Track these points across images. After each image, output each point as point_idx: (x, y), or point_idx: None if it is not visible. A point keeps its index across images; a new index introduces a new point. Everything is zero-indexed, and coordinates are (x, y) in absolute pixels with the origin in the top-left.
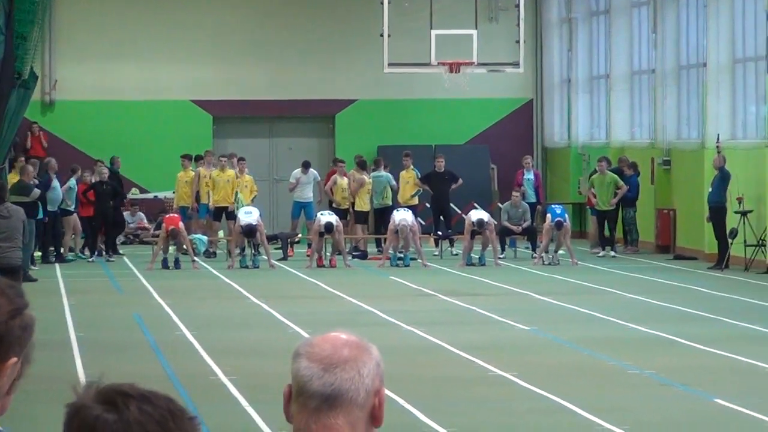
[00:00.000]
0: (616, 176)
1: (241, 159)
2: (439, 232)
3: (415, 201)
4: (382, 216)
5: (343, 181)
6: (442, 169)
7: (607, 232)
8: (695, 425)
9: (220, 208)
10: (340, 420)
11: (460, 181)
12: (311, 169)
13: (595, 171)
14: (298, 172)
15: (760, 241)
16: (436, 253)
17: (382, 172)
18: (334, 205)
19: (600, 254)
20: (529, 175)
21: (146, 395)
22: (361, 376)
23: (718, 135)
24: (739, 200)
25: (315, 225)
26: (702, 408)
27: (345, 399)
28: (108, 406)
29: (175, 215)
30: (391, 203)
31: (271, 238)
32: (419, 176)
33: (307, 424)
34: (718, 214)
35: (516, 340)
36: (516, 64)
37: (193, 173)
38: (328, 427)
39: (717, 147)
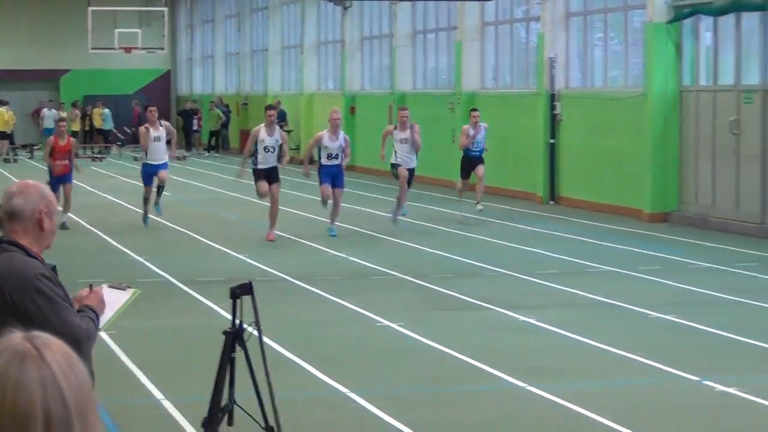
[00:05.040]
0: (219, 111)
1: (3, 101)
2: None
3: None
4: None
5: (51, 113)
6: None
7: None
8: (310, 266)
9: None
10: (17, 227)
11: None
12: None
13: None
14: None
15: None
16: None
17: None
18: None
19: (206, 154)
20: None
21: None
22: (28, 201)
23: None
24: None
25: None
26: (331, 259)
27: (16, 214)
28: None
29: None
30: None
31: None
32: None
33: (3, 232)
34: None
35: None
36: (162, 49)
37: None
38: (11, 230)
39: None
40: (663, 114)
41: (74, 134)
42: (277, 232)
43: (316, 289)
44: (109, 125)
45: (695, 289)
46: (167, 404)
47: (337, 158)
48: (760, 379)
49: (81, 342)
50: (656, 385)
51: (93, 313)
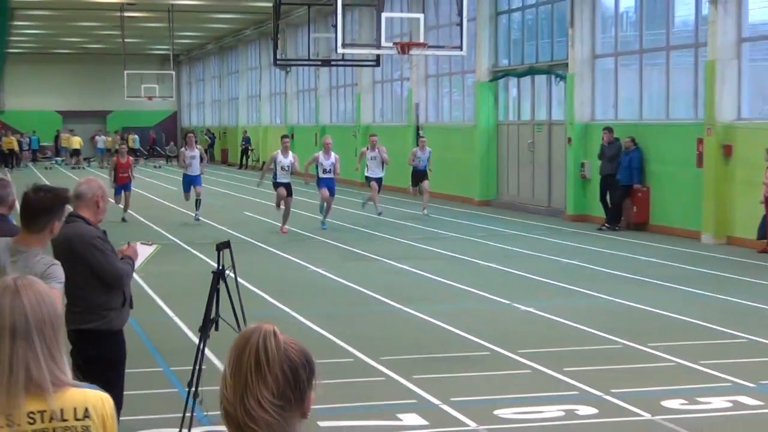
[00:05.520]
0: (207, 137)
1: (71, 130)
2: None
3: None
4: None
5: (101, 138)
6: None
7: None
8: (268, 235)
9: (74, 150)
10: (82, 204)
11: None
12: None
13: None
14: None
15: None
16: None
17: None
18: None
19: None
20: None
21: (51, 188)
22: (90, 188)
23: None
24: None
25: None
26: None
27: (81, 197)
28: (33, 192)
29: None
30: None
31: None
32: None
33: (72, 208)
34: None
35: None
36: (171, 97)
37: (65, 136)
38: (77, 207)
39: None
40: (486, 138)
41: (116, 152)
42: (282, 225)
43: (270, 248)
44: (138, 146)
45: (508, 247)
46: (177, 319)
47: (330, 172)
48: (551, 302)
49: (122, 278)
50: (485, 306)
51: (130, 260)
